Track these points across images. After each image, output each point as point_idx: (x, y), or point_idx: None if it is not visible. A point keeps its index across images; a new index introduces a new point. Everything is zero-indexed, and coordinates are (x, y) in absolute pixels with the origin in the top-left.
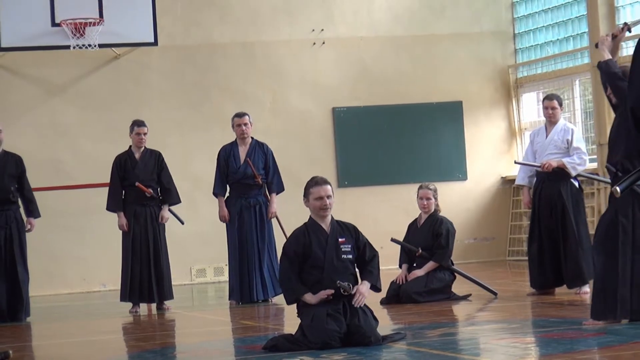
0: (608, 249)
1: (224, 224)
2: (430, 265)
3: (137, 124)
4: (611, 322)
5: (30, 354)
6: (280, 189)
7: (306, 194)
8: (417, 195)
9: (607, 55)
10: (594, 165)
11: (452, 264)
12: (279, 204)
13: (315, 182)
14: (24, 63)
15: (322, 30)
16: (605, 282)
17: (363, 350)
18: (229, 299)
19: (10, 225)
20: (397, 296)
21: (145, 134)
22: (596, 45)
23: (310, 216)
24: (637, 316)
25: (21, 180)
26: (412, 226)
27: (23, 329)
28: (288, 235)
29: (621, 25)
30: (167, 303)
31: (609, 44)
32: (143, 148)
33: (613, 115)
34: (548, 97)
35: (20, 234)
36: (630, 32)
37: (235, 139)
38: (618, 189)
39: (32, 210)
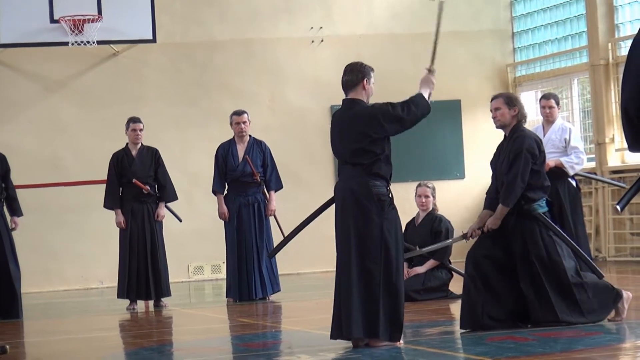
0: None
1: (222, 221)
2: (430, 263)
3: (133, 120)
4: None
5: (26, 350)
6: (278, 186)
7: (369, 78)
8: (416, 193)
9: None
10: (592, 164)
11: (450, 263)
12: (276, 201)
13: (371, 68)
14: (23, 59)
15: (321, 28)
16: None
17: (360, 349)
18: (227, 297)
19: None
20: None
21: (141, 130)
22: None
23: None
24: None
25: (5, 178)
26: (410, 225)
27: (19, 326)
28: (286, 233)
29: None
30: (165, 300)
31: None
32: (140, 145)
33: (613, 114)
34: (545, 97)
35: (8, 231)
36: None
37: (233, 137)
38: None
39: (16, 209)
